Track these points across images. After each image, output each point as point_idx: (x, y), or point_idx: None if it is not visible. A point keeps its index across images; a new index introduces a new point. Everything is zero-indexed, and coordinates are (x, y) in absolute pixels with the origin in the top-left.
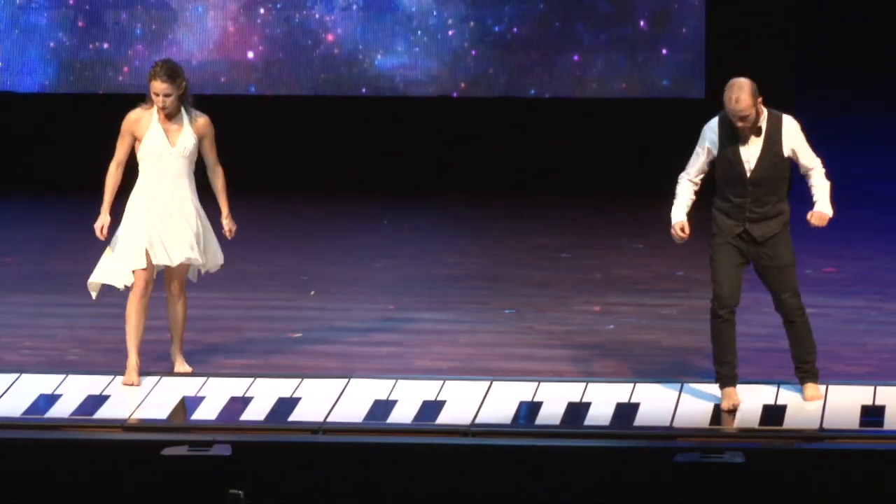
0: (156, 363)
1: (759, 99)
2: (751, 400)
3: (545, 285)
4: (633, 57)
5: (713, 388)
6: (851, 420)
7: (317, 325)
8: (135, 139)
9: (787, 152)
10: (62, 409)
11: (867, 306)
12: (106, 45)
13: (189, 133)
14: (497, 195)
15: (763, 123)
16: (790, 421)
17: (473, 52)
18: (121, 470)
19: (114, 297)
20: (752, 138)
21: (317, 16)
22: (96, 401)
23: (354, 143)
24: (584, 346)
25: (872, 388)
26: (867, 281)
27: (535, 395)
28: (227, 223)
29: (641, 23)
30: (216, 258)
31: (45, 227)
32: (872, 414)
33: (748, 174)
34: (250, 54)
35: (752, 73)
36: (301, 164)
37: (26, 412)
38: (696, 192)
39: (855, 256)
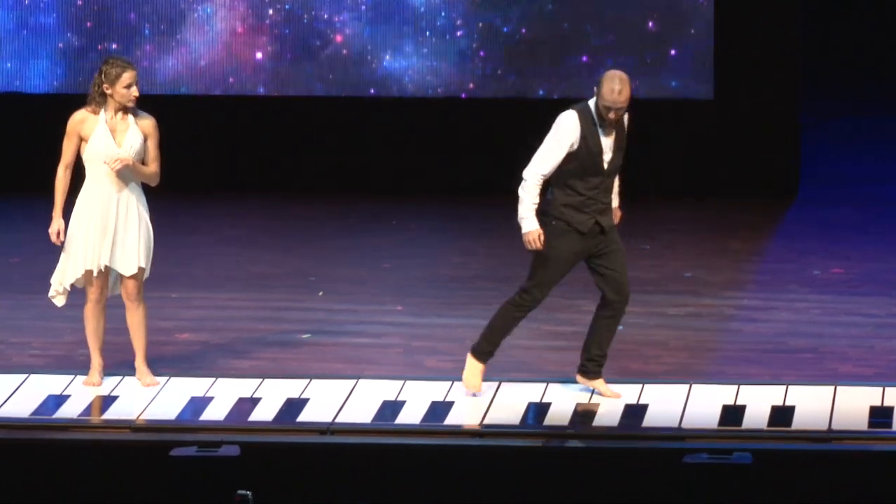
0: (163, 364)
1: None
2: (759, 401)
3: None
4: (642, 58)
5: (721, 390)
6: (860, 421)
7: (325, 326)
8: (81, 140)
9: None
10: (71, 410)
11: (875, 307)
12: (114, 46)
13: (136, 132)
14: (505, 196)
15: None
16: (798, 422)
17: (482, 53)
18: (129, 470)
19: (120, 297)
20: (610, 132)
21: (325, 16)
22: (105, 401)
23: (362, 144)
24: None
25: (881, 389)
26: (875, 282)
27: (543, 395)
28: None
29: (650, 24)
30: (143, 267)
31: None
32: (881, 415)
33: (605, 165)
34: (259, 55)
35: (760, 74)
36: (309, 165)
37: (35, 413)
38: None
39: (862, 258)
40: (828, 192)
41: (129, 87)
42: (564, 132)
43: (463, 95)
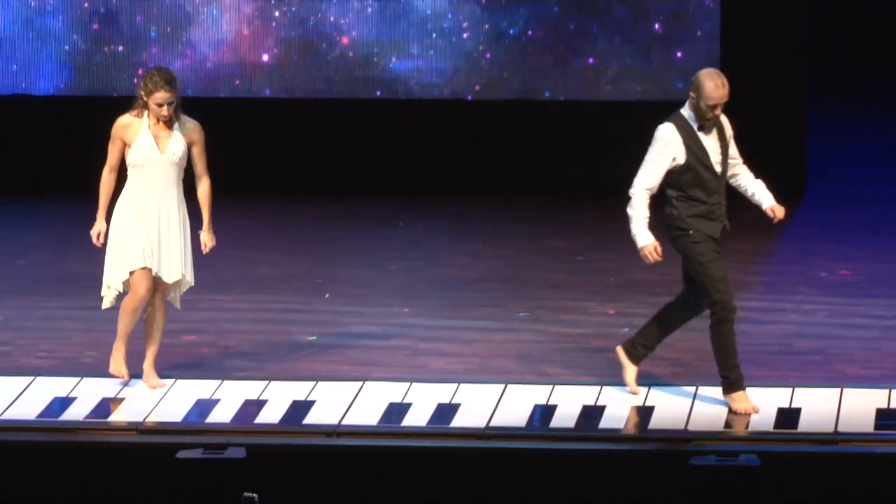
0: (169, 367)
1: None
2: (765, 403)
3: (560, 288)
4: (648, 59)
5: None
6: (866, 423)
7: (331, 329)
8: (125, 144)
9: (731, 140)
10: (77, 412)
11: (882, 309)
12: (121, 48)
13: (178, 139)
14: (511, 198)
15: None
16: (805, 424)
17: (488, 55)
18: (135, 473)
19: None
20: (711, 132)
21: (331, 18)
22: (111, 403)
23: (369, 146)
24: (599, 348)
25: (887, 391)
26: (882, 284)
27: (549, 398)
28: (205, 237)
29: (656, 25)
30: (189, 279)
31: (59, 229)
32: (887, 417)
33: (717, 167)
34: (265, 57)
35: (766, 75)
36: (315, 167)
37: (41, 415)
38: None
39: (869, 259)
40: (834, 192)
41: (160, 105)
42: (664, 144)
43: (469, 97)
